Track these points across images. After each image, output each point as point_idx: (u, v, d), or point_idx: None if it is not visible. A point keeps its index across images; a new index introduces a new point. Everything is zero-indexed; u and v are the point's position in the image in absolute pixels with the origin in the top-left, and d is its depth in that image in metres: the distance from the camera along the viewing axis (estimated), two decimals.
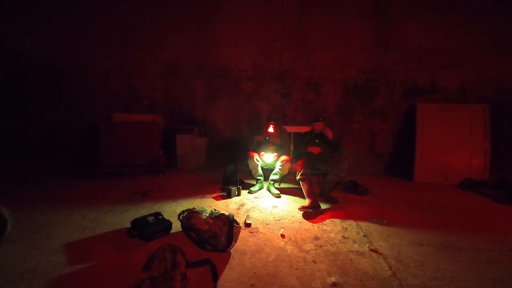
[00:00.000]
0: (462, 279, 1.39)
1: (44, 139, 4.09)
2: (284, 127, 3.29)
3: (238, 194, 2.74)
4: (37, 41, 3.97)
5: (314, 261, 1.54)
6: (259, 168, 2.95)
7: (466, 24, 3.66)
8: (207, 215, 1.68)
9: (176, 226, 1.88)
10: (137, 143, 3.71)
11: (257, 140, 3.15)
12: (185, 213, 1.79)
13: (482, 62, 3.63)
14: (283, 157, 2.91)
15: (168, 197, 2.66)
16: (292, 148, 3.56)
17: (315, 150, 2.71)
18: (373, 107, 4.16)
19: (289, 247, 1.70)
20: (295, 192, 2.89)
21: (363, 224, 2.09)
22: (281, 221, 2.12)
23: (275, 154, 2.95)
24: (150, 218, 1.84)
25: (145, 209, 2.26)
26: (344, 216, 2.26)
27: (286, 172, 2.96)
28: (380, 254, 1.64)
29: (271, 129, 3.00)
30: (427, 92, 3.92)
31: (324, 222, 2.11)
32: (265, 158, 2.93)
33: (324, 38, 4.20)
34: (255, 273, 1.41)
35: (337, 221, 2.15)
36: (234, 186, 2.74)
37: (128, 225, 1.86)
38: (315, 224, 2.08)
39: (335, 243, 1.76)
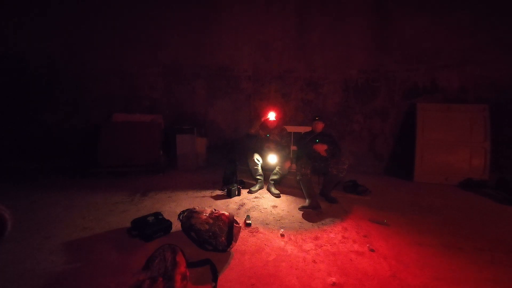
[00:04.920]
0: (462, 279, 1.39)
1: (44, 139, 4.08)
2: (284, 127, 3.28)
3: (238, 194, 2.74)
4: (37, 41, 3.96)
5: (314, 261, 1.54)
6: (259, 168, 2.95)
7: (466, 24, 3.65)
8: (207, 215, 1.68)
9: (176, 226, 1.88)
10: (137, 143, 3.71)
11: (256, 133, 3.05)
12: (185, 213, 1.79)
13: (482, 62, 3.62)
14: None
15: (168, 197, 2.66)
16: (292, 148, 3.56)
17: (322, 147, 2.67)
18: (373, 107, 4.16)
19: (289, 247, 1.70)
20: (295, 192, 2.89)
21: (363, 224, 2.09)
22: (281, 221, 2.12)
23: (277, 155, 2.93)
24: (150, 218, 1.84)
25: (145, 209, 2.26)
26: (344, 216, 2.26)
27: (286, 172, 2.96)
28: (380, 254, 1.64)
29: (272, 117, 2.94)
30: (427, 92, 3.91)
31: (324, 222, 2.11)
32: (269, 159, 2.92)
33: (324, 38, 4.19)
34: (255, 273, 1.41)
35: (337, 221, 2.15)
36: (234, 186, 2.73)
37: (128, 225, 1.86)
38: (315, 224, 2.08)
39: (335, 243, 1.76)
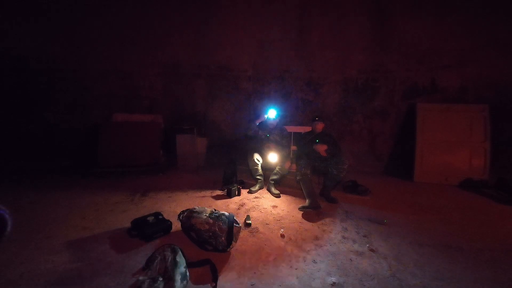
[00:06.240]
0: (462, 279, 1.39)
1: (44, 139, 4.08)
2: (284, 127, 3.28)
3: (238, 194, 2.74)
4: (37, 41, 3.96)
5: (314, 261, 1.54)
6: (259, 168, 2.95)
7: (466, 24, 3.65)
8: (207, 215, 1.68)
9: (176, 226, 1.88)
10: (137, 143, 3.71)
11: (255, 133, 3.06)
12: (185, 213, 1.79)
13: (482, 62, 3.62)
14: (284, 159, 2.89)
15: (168, 197, 2.66)
16: (292, 148, 3.56)
17: (322, 147, 2.66)
18: (373, 107, 4.16)
19: (289, 247, 1.70)
20: (295, 192, 2.89)
21: (363, 224, 2.09)
22: (281, 221, 2.12)
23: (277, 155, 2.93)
24: (150, 218, 1.84)
25: (145, 209, 2.26)
26: (344, 216, 2.26)
27: (286, 172, 2.96)
28: (380, 254, 1.63)
29: (271, 115, 2.94)
30: (427, 92, 3.91)
31: (324, 222, 2.11)
32: (269, 158, 2.92)
33: (324, 38, 4.19)
34: (255, 273, 1.41)
35: (337, 221, 2.15)
36: (234, 186, 2.73)
37: (128, 225, 1.86)
38: (315, 224, 2.08)
39: (335, 243, 1.77)
